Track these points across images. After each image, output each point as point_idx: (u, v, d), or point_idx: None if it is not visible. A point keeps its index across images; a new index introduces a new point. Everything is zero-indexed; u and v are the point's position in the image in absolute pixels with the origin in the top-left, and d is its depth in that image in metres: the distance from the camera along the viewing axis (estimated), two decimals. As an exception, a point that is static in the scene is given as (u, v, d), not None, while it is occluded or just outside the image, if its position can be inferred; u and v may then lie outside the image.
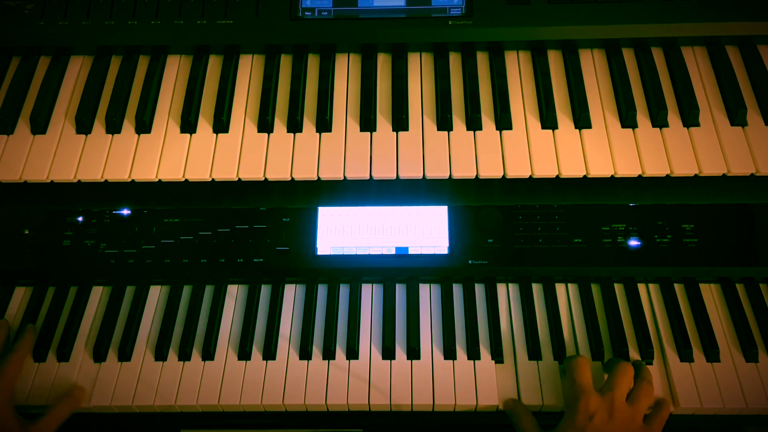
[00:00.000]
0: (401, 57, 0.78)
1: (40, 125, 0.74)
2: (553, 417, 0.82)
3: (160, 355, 0.86)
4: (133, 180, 0.71)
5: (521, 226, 0.92)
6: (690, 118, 0.71)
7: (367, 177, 0.70)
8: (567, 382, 0.79)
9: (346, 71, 0.78)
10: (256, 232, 0.93)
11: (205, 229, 0.94)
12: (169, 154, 0.72)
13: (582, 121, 0.72)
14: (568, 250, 0.91)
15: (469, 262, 0.91)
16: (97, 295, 0.93)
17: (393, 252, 0.92)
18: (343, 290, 0.93)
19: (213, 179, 0.71)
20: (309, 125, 0.74)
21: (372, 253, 0.92)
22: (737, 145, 0.70)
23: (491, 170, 0.70)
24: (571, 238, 0.91)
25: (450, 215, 0.93)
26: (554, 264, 0.90)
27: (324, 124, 0.73)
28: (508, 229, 0.92)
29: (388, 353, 0.85)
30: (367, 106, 0.74)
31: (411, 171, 0.70)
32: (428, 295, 0.92)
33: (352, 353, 0.86)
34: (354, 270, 0.92)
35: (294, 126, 0.74)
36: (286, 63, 0.79)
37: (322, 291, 0.92)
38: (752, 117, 0.72)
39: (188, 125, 0.74)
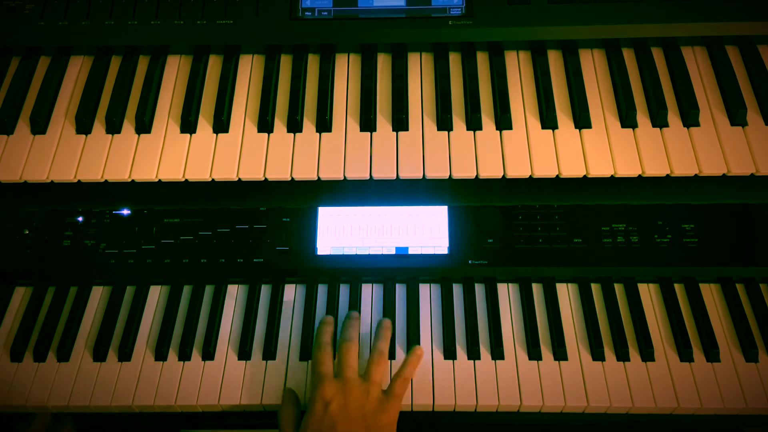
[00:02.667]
0: (401, 57, 0.78)
1: (40, 125, 0.74)
2: (553, 417, 0.82)
3: (160, 355, 0.86)
4: (133, 180, 0.71)
5: (521, 226, 0.92)
6: (690, 118, 0.71)
7: (367, 177, 0.70)
8: (312, 371, 0.79)
9: (346, 71, 0.78)
10: (256, 232, 0.93)
11: (205, 229, 0.94)
12: (169, 154, 0.72)
13: (582, 121, 0.72)
14: (568, 250, 0.91)
15: (469, 262, 0.91)
16: (97, 295, 0.93)
17: (393, 252, 0.92)
18: (343, 290, 0.93)
19: (213, 179, 0.71)
20: (309, 125, 0.74)
21: (372, 253, 0.92)
22: (737, 145, 0.70)
23: (491, 170, 0.70)
24: (571, 238, 0.91)
25: (450, 215, 0.93)
26: (554, 264, 0.90)
27: (324, 124, 0.73)
28: (508, 229, 0.92)
29: (388, 353, 0.85)
30: (367, 106, 0.74)
31: (411, 171, 0.70)
32: (428, 295, 0.92)
33: (352, 353, 0.86)
34: (354, 270, 0.92)
35: (294, 126, 0.74)
36: (286, 63, 0.79)
37: (322, 291, 0.92)
38: (752, 117, 0.72)
39: (188, 125, 0.74)
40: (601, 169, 0.69)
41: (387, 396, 0.77)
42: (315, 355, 0.80)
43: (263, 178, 0.71)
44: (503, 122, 0.73)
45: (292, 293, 0.92)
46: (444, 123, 0.73)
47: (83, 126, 0.74)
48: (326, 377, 0.77)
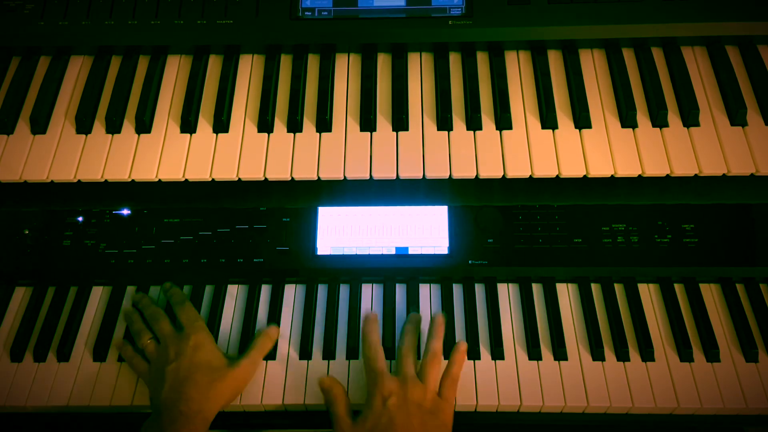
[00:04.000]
0: (401, 57, 0.78)
1: (40, 125, 0.74)
2: (553, 417, 0.82)
3: (160, 355, 0.86)
4: (133, 180, 0.71)
5: (521, 226, 0.92)
6: (690, 118, 0.71)
7: (367, 177, 0.70)
8: (366, 370, 0.80)
9: (346, 71, 0.78)
10: (256, 232, 0.93)
11: (205, 229, 0.94)
12: (169, 154, 0.72)
13: (582, 121, 0.72)
14: (568, 250, 0.91)
15: (469, 262, 0.91)
16: (97, 295, 0.93)
17: (393, 252, 0.92)
18: (343, 290, 0.93)
19: (213, 179, 0.71)
20: (309, 125, 0.74)
21: (372, 253, 0.92)
22: (737, 145, 0.70)
23: (491, 170, 0.70)
24: (571, 238, 0.91)
25: (450, 215, 0.93)
26: (554, 264, 0.90)
27: (324, 124, 0.73)
28: (508, 229, 0.92)
29: (388, 353, 0.85)
30: (367, 106, 0.74)
31: (411, 171, 0.70)
32: (428, 295, 0.92)
33: (352, 353, 0.86)
34: (354, 270, 0.92)
35: (294, 126, 0.74)
36: (286, 63, 0.79)
37: (322, 291, 0.92)
38: (752, 117, 0.72)
39: (188, 125, 0.74)
40: (601, 169, 0.69)
41: (441, 398, 0.77)
42: (368, 353, 0.80)
43: (263, 178, 0.71)
44: (503, 122, 0.73)
45: (292, 293, 0.92)
46: (444, 123, 0.73)
47: (83, 126, 0.74)
48: (384, 373, 0.77)
